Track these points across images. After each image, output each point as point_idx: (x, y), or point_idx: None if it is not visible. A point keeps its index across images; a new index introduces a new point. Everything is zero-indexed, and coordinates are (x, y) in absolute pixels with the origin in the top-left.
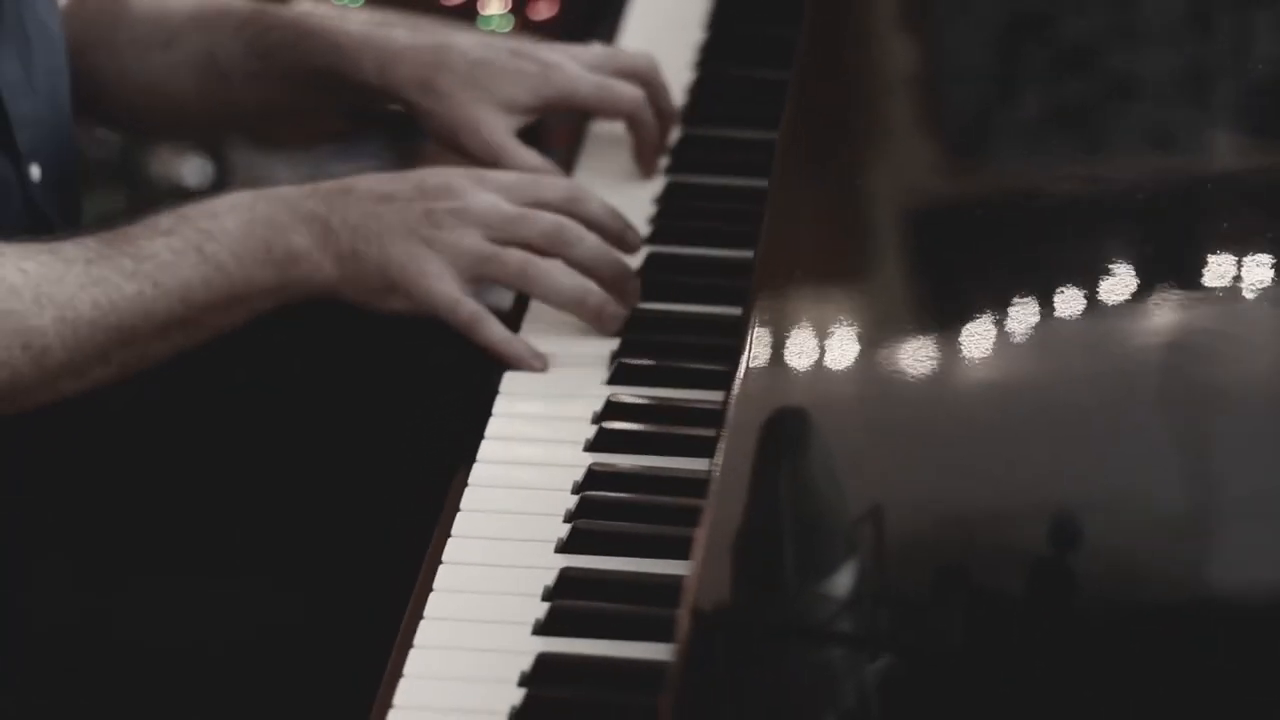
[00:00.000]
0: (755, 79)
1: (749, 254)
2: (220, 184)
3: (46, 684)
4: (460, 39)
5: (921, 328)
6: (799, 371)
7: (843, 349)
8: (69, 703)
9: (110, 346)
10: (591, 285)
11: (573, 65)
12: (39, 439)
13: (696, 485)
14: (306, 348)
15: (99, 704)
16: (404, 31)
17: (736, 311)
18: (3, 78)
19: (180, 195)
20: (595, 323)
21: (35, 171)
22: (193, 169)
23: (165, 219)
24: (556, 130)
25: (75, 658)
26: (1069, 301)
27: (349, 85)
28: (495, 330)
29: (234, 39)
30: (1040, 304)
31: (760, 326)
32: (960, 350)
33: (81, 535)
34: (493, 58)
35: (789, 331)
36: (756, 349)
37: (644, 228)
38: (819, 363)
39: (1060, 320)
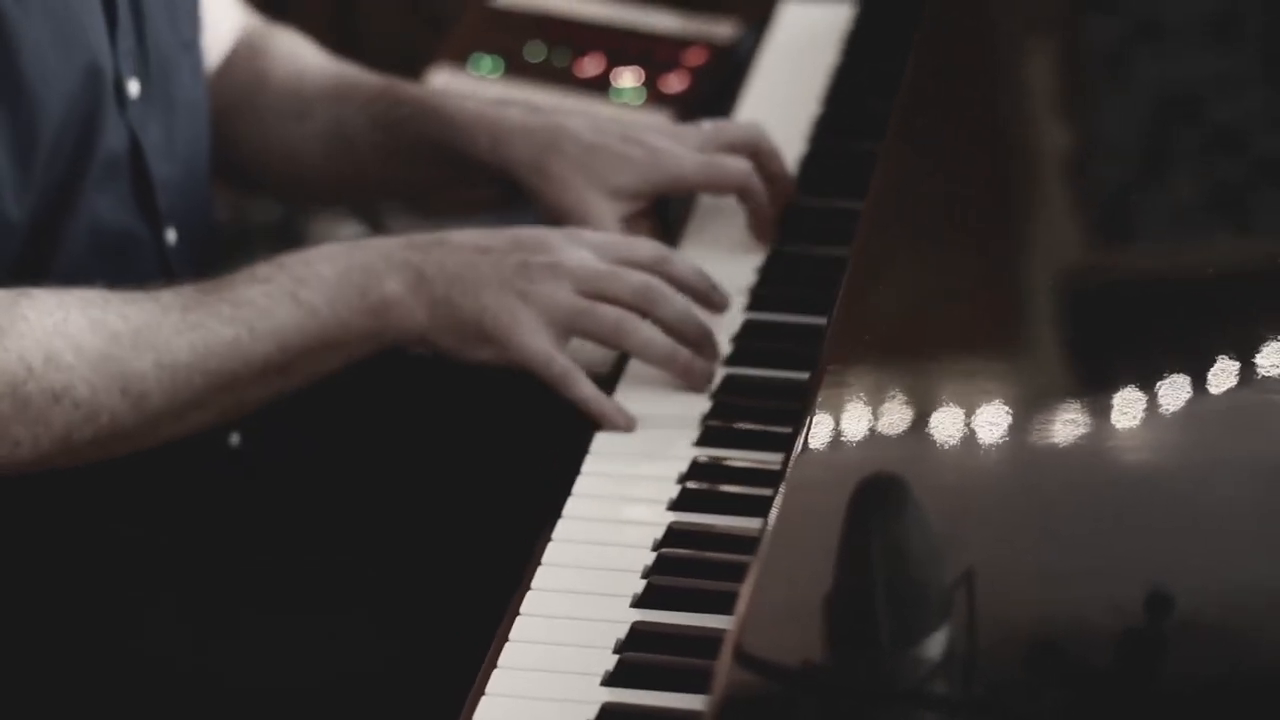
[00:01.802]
0: (865, 152)
1: None
2: None
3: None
4: (573, 121)
5: (985, 397)
6: (859, 438)
7: (905, 417)
8: None
9: (208, 391)
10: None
11: (679, 149)
12: (142, 481)
13: None
14: (403, 395)
15: None
16: (519, 110)
17: None
18: (147, 141)
19: None
20: (685, 378)
21: (171, 235)
22: (352, 235)
23: (263, 268)
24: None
25: (181, 694)
26: (1120, 372)
27: (465, 160)
28: (586, 388)
29: (361, 112)
30: (1104, 378)
31: (826, 391)
32: (1019, 422)
33: (187, 574)
34: (603, 143)
35: (854, 398)
36: (820, 414)
37: (744, 295)
38: (879, 430)
39: (1110, 390)
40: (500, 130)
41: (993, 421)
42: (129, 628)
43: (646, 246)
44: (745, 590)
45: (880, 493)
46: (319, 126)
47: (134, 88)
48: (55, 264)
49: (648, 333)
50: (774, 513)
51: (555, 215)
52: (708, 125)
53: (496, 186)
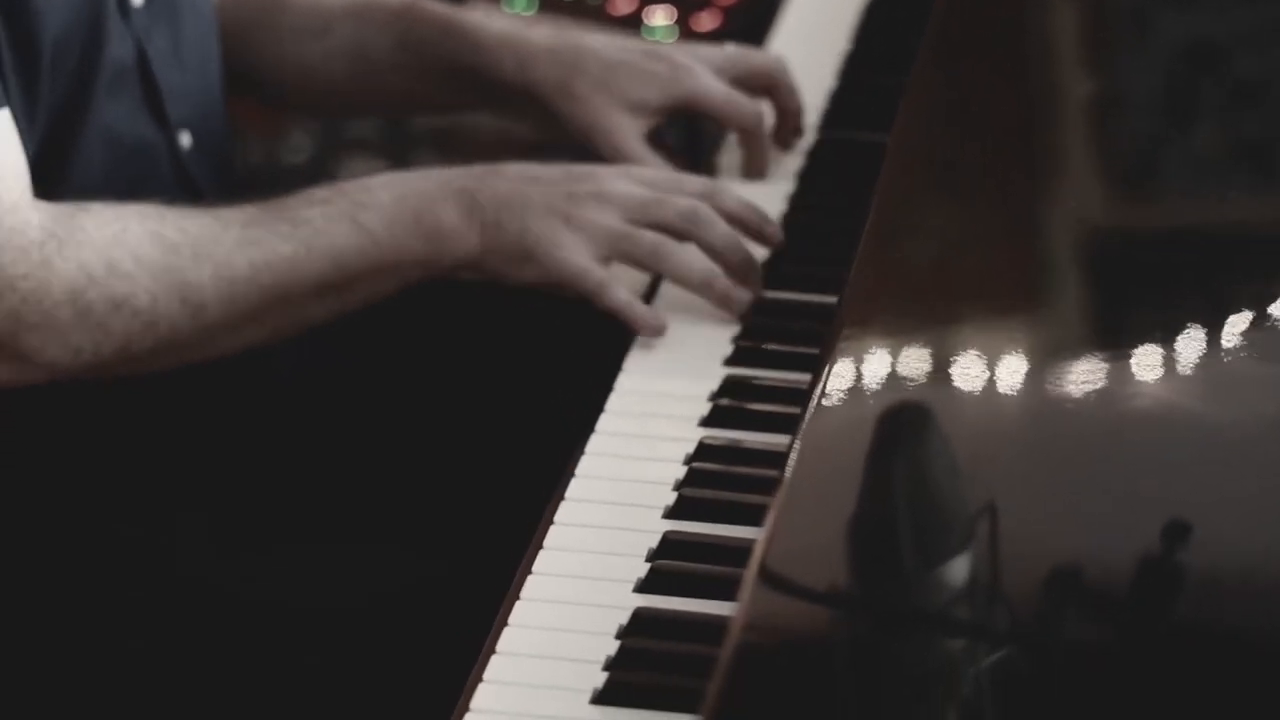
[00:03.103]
0: (893, 87)
1: None
2: None
3: (184, 641)
4: (595, 41)
5: (1008, 334)
6: (881, 362)
7: (928, 350)
8: (205, 660)
9: (264, 306)
10: (720, 269)
11: (704, 69)
12: (181, 401)
13: None
14: (438, 314)
15: (234, 663)
16: (543, 32)
17: None
18: (153, 48)
19: None
20: (721, 304)
21: (185, 139)
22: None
23: (321, 191)
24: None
25: (211, 617)
26: (1141, 318)
27: (489, 82)
28: (619, 294)
29: (384, 31)
30: (1125, 324)
31: (850, 322)
32: (1041, 361)
33: (220, 498)
34: (626, 59)
35: (878, 330)
36: (844, 344)
37: (776, 222)
38: (901, 356)
39: (1131, 336)
40: (525, 52)
41: (1015, 360)
42: (160, 548)
43: (696, 181)
44: (772, 512)
45: (905, 419)
46: (339, 44)
47: None
48: (73, 176)
49: (685, 256)
50: (799, 437)
51: (581, 133)
52: (731, 49)
53: (518, 108)
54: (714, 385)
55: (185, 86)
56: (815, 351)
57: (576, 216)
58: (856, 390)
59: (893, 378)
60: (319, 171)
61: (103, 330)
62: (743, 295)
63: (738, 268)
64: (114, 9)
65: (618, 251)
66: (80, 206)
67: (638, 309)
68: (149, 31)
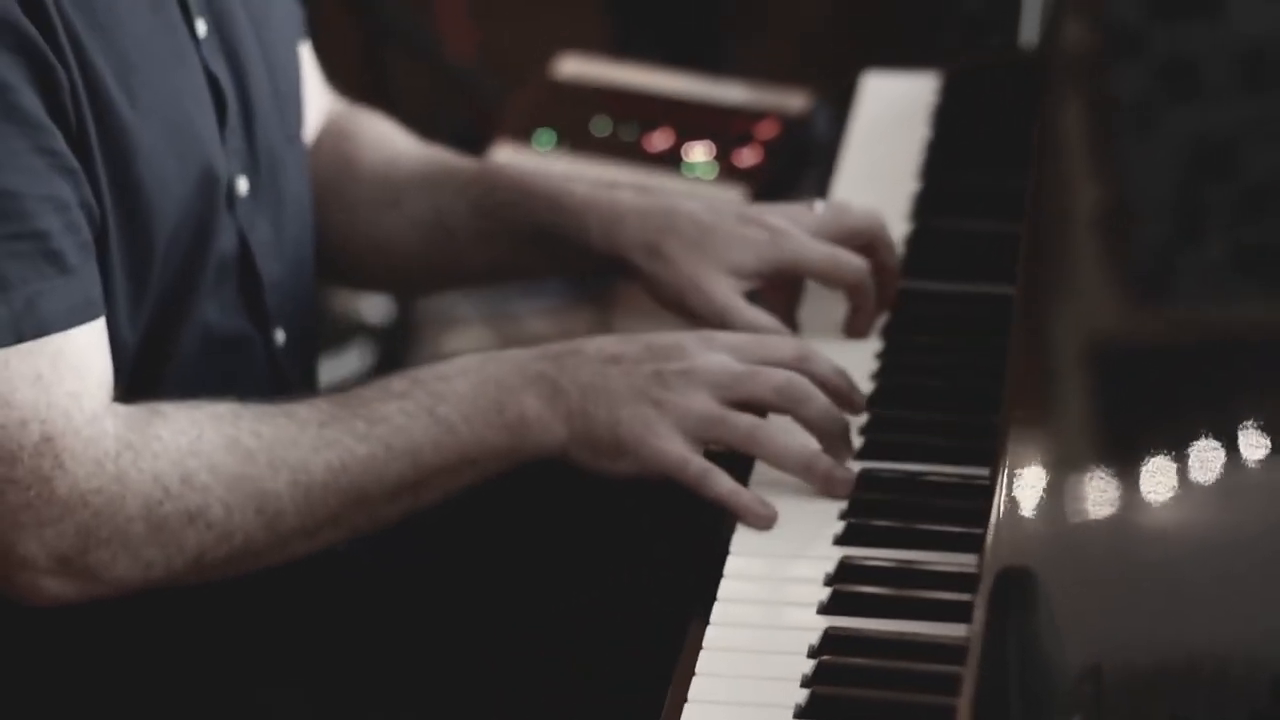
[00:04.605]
0: (972, 231)
1: (971, 414)
2: (401, 320)
3: None
4: (687, 203)
5: (1172, 482)
6: (1050, 532)
7: (1090, 508)
8: None
9: (342, 509)
10: (818, 450)
11: (801, 232)
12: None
13: (935, 650)
14: (526, 503)
15: None
16: (630, 193)
17: (962, 470)
18: (255, 240)
19: (361, 330)
20: (822, 486)
21: (280, 335)
22: (373, 305)
23: (397, 382)
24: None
25: None
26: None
27: (573, 245)
28: (724, 483)
29: (459, 198)
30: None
31: (1008, 488)
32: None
33: (306, 673)
34: (720, 223)
35: (1038, 492)
36: (1006, 508)
37: (866, 384)
38: (1069, 523)
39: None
40: (613, 214)
41: (1181, 506)
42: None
43: (785, 345)
44: (961, 709)
45: (1022, 586)
46: (414, 214)
47: (243, 185)
48: (167, 372)
49: (784, 440)
50: (976, 624)
51: (673, 295)
52: (822, 208)
53: (604, 273)
54: (829, 568)
55: (284, 281)
56: (927, 527)
57: (667, 401)
58: (1030, 571)
59: (1061, 551)
60: None
61: (176, 544)
62: (845, 475)
63: (833, 442)
64: (222, 201)
65: (711, 436)
66: (154, 410)
67: (744, 498)
68: (253, 222)
